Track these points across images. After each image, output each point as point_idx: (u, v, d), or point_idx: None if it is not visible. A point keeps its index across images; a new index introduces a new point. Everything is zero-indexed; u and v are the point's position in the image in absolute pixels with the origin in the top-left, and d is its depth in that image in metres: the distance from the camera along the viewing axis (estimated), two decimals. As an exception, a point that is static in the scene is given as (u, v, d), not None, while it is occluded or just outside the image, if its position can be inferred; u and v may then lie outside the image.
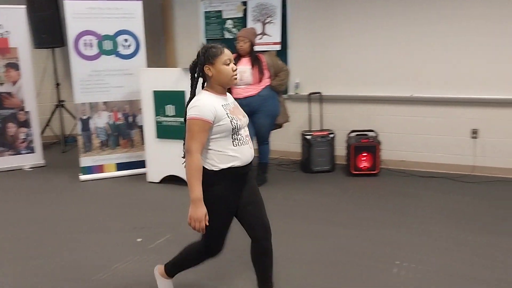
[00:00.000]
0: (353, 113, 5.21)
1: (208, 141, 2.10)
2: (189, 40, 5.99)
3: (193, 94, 2.17)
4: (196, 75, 2.15)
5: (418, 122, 4.93)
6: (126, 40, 4.93)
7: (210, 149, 2.11)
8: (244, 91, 4.29)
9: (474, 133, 4.69)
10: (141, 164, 4.92)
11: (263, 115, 4.38)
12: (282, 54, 5.29)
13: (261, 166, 4.67)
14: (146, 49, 5.08)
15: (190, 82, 2.19)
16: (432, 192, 4.24)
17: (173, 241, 3.30)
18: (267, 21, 5.40)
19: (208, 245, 2.25)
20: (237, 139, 2.12)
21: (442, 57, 4.69)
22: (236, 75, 2.15)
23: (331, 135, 5.04)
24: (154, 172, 4.71)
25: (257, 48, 4.53)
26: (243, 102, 4.29)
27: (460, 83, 4.66)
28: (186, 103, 2.15)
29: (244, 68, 4.26)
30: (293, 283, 2.69)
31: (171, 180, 4.58)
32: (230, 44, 4.35)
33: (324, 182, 4.68)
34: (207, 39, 5.75)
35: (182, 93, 4.34)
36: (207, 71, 2.12)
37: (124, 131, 5.06)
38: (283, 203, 4.09)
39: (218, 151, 2.10)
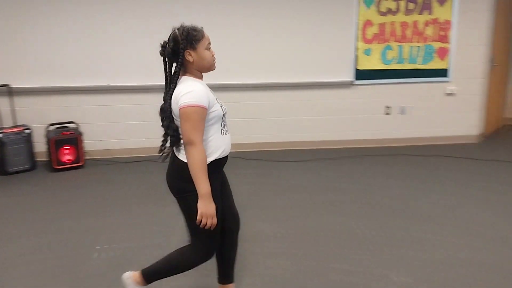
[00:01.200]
0: (51, 105, 4.95)
1: None
2: None
3: (174, 83, 1.92)
4: (178, 60, 1.91)
5: (117, 110, 5.08)
6: None
7: None
8: None
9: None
10: None
11: None
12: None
13: None
14: None
15: (164, 69, 1.95)
16: (135, 175, 4.48)
17: None
18: None
19: (208, 247, 2.05)
20: (224, 126, 2.00)
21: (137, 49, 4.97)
22: (215, 60, 2.00)
23: (27, 131, 4.67)
24: None
25: None
26: None
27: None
28: (165, 94, 1.94)
29: None
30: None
31: None
32: None
33: (23, 182, 4.32)
34: None
35: None
36: (188, 56, 1.92)
37: None
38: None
39: (206, 140, 1.93)
